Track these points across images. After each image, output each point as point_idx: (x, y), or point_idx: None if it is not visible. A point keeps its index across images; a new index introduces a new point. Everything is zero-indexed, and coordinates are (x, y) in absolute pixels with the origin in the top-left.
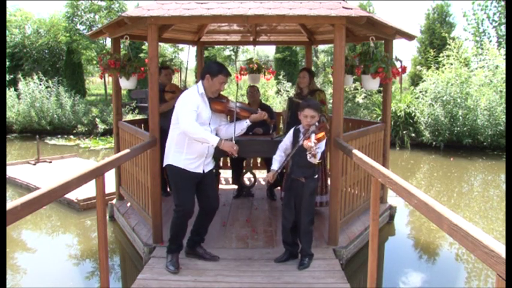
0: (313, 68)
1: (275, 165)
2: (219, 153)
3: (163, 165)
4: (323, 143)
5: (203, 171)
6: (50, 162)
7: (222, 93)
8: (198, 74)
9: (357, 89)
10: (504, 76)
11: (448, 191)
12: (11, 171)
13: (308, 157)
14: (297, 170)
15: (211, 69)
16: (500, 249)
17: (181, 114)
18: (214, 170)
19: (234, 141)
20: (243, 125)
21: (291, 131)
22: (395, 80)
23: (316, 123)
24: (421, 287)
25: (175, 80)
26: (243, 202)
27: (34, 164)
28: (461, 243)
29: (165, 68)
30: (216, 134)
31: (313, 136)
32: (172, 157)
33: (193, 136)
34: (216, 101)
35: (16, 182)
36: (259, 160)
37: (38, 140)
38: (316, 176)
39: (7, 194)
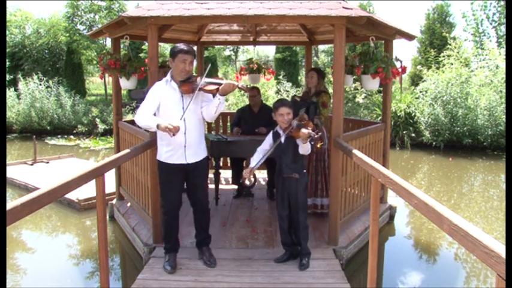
0: None
1: (252, 164)
2: (218, 152)
3: None
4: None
5: (186, 161)
6: (47, 162)
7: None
8: (198, 74)
9: (357, 89)
10: (504, 76)
11: (448, 191)
12: (8, 172)
13: (308, 148)
14: (286, 168)
15: (171, 52)
16: (500, 249)
17: None
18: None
19: (183, 118)
20: (215, 102)
21: (270, 134)
22: (395, 80)
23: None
24: (420, 287)
25: None
26: (243, 202)
27: (31, 165)
28: (461, 243)
29: (163, 67)
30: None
31: (303, 129)
32: (158, 151)
33: (141, 126)
34: (185, 83)
35: (14, 182)
36: None
37: (34, 140)
38: (305, 170)
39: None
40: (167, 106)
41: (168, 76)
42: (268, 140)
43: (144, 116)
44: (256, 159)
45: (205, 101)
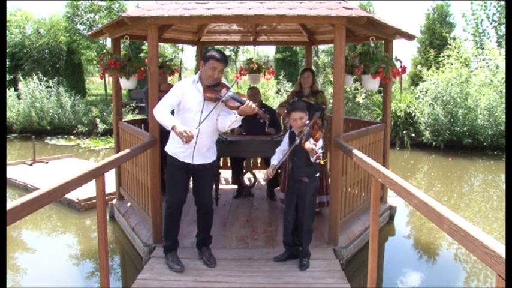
0: (313, 68)
1: (274, 162)
2: (218, 152)
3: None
4: (321, 140)
5: (193, 162)
6: (47, 162)
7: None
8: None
9: (357, 89)
10: (504, 76)
11: (448, 191)
12: (7, 172)
13: (313, 159)
14: (298, 171)
15: (204, 55)
16: (500, 249)
17: None
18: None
19: (198, 129)
20: (232, 118)
21: (287, 135)
22: (395, 80)
23: (307, 122)
24: (420, 287)
25: (176, 80)
26: (243, 202)
27: (30, 165)
28: (461, 243)
29: (163, 67)
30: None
31: (311, 139)
32: (168, 144)
33: (157, 119)
34: (209, 89)
35: (14, 182)
36: (259, 160)
37: (33, 140)
38: (318, 175)
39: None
40: (187, 105)
41: (197, 77)
42: (286, 140)
43: (163, 112)
44: (276, 158)
45: (224, 111)
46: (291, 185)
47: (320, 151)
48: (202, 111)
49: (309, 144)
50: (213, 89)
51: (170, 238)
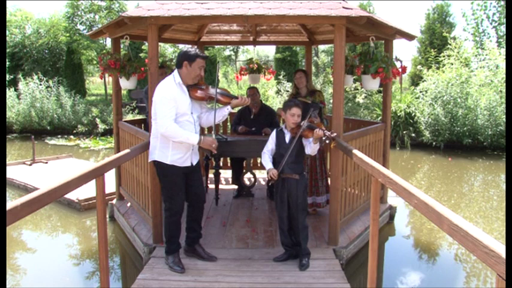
0: (313, 68)
1: (269, 165)
2: (218, 152)
3: (149, 161)
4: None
5: (191, 163)
6: (46, 162)
7: None
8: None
9: (357, 89)
10: (504, 76)
11: (448, 191)
12: (7, 172)
13: (317, 148)
14: (287, 168)
15: (187, 55)
16: (500, 249)
17: (158, 115)
18: (205, 162)
19: (213, 133)
20: (225, 112)
21: (274, 133)
22: (395, 80)
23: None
24: (420, 287)
25: None
26: (243, 202)
27: (30, 165)
28: (461, 243)
29: (163, 67)
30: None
31: (317, 129)
32: (159, 153)
33: (173, 140)
34: (195, 88)
35: (13, 182)
36: (259, 160)
37: (33, 140)
38: (306, 172)
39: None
40: (181, 110)
41: (178, 78)
42: (272, 139)
43: (178, 131)
44: (267, 160)
45: (204, 107)
46: (280, 184)
47: (334, 134)
48: (192, 112)
49: (319, 131)
50: (198, 88)
51: (174, 241)
